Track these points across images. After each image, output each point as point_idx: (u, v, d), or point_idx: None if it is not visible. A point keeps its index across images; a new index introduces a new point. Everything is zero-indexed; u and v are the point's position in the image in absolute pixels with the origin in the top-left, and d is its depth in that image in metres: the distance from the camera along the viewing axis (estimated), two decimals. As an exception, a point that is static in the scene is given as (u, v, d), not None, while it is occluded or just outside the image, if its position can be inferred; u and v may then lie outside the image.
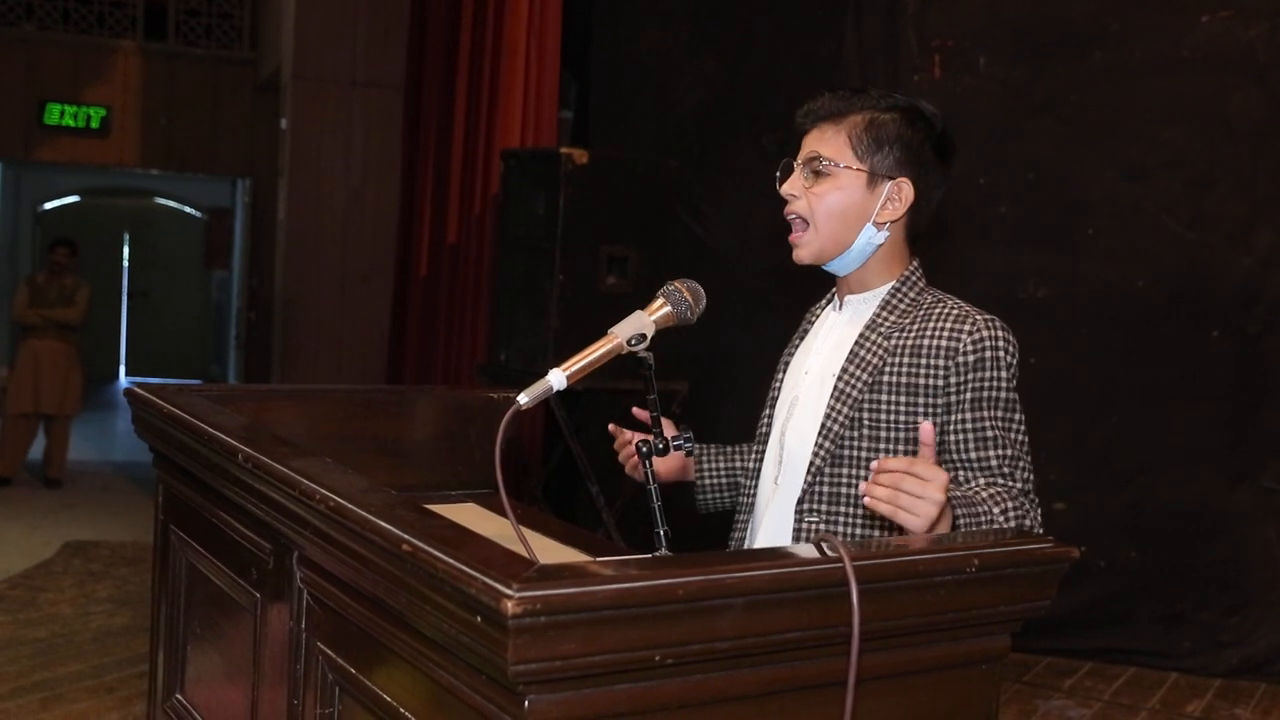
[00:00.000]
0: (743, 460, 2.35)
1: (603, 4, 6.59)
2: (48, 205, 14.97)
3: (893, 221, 2.06)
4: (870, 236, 2.06)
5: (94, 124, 11.07)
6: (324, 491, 1.63)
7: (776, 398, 2.21)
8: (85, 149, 11.25)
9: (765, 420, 2.21)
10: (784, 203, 2.11)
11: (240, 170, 11.83)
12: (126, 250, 15.35)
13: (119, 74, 11.17)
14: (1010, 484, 1.94)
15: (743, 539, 2.22)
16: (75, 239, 9.04)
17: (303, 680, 1.79)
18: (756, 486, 2.19)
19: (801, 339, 2.24)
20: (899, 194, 2.05)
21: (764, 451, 2.19)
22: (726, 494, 2.38)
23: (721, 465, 2.38)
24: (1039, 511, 1.96)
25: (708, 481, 2.38)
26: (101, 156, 11.37)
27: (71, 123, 11.04)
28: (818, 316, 2.25)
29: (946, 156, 2.10)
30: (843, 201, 2.05)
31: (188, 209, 15.31)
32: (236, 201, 12.89)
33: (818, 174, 2.06)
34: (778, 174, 2.13)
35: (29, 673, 4.77)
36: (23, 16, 11.05)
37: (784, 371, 2.22)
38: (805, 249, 2.09)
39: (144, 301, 15.28)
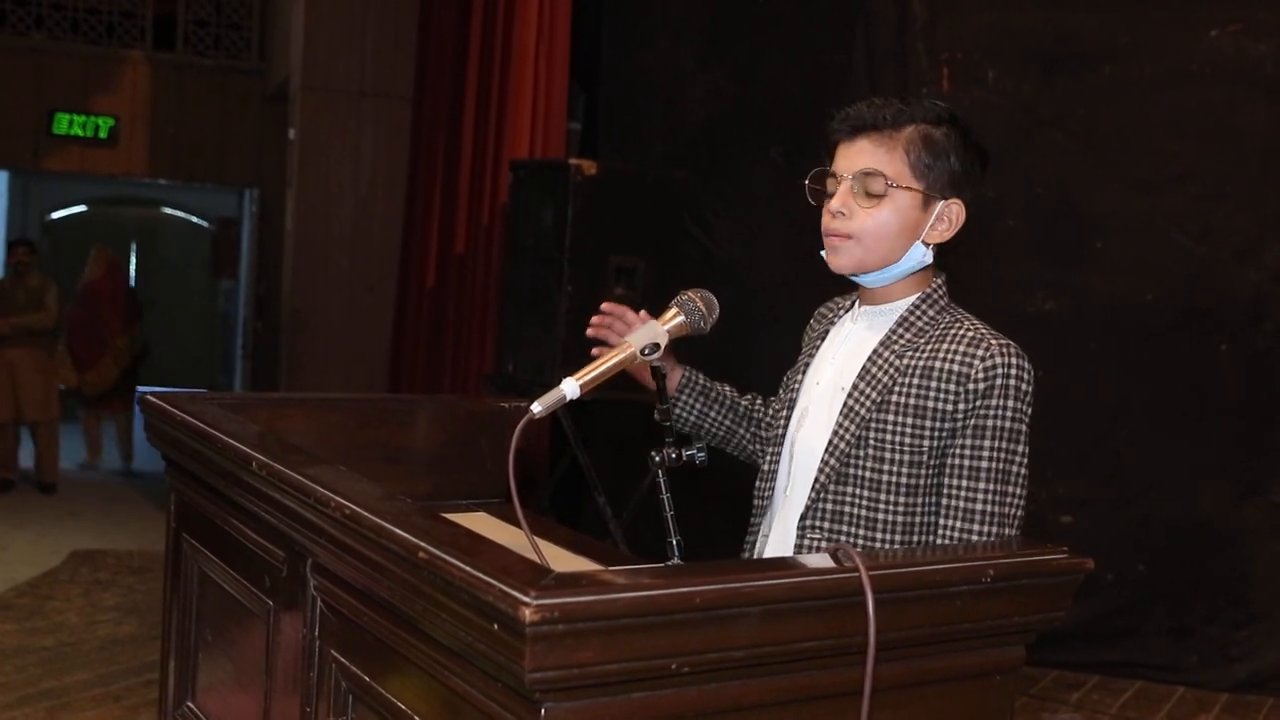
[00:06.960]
0: (720, 413, 2.27)
1: (612, 15, 6.61)
2: (55, 215, 15.00)
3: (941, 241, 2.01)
4: (917, 255, 2.00)
5: (102, 134, 11.08)
6: (339, 499, 1.62)
7: (794, 400, 2.14)
8: (93, 159, 11.26)
9: (782, 423, 2.15)
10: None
11: (248, 180, 11.84)
12: (134, 260, 15.38)
13: (127, 84, 11.19)
14: (977, 530, 1.89)
15: (753, 544, 2.20)
16: (32, 239, 8.91)
17: (316, 688, 1.79)
18: (771, 491, 2.15)
19: (822, 340, 2.16)
20: (950, 215, 1.99)
21: (778, 454, 2.14)
22: (689, 427, 2.28)
23: (698, 409, 2.27)
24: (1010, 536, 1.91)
25: (680, 412, 2.25)
26: (109, 166, 11.39)
27: (80, 132, 11.05)
28: (835, 320, 2.17)
29: (985, 169, 2.02)
30: (898, 222, 1.97)
31: (195, 219, 15.34)
32: (244, 211, 12.90)
33: (870, 193, 1.96)
34: (809, 184, 2.03)
35: (36, 681, 4.77)
36: (32, 26, 11.08)
37: (803, 374, 2.15)
38: (847, 258, 2.00)
39: (151, 311, 15.29)
